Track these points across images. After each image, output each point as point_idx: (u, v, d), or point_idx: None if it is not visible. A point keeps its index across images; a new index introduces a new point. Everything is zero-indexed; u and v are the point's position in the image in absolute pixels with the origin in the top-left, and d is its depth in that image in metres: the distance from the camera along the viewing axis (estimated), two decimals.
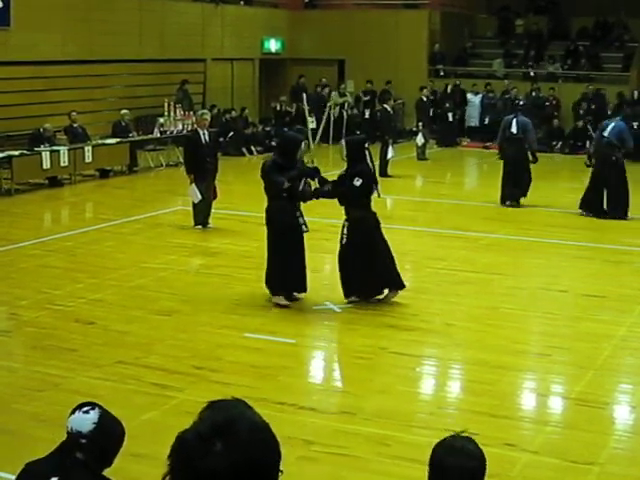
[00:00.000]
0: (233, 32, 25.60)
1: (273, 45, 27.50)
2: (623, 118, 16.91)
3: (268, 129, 23.85)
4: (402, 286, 9.95)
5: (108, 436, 3.65)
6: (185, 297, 10.12)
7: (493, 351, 8.56)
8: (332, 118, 24.85)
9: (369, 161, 9.99)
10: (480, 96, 25.93)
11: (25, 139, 17.92)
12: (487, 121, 25.58)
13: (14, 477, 3.58)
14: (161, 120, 19.90)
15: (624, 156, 15.48)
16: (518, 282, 11.17)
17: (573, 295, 10.70)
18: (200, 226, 13.75)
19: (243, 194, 16.36)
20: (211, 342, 8.73)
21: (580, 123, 24.06)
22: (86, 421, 3.61)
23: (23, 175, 16.92)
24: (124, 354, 8.25)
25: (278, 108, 24.67)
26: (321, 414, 7.11)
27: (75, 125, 18.66)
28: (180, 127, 19.87)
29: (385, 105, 20.63)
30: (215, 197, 13.70)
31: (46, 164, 16.90)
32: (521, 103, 19.20)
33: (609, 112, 24.27)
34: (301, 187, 9.66)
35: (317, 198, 10.01)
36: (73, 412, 3.67)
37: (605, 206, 15.17)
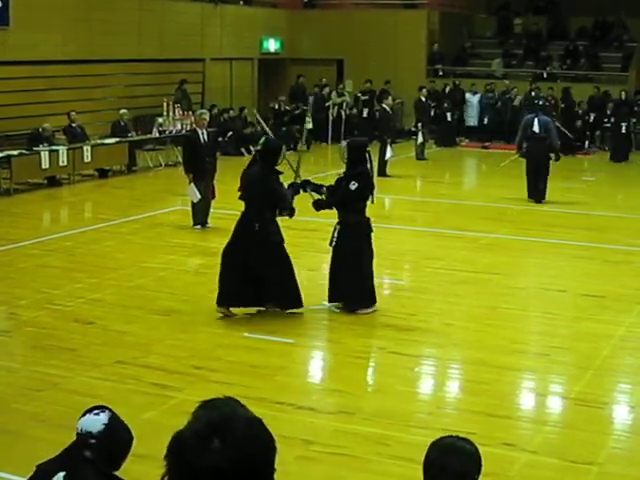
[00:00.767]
0: (232, 32, 25.59)
1: (272, 45, 27.50)
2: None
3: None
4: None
5: (117, 439, 3.69)
6: (184, 297, 10.13)
7: (492, 351, 8.57)
8: (331, 118, 24.88)
9: (369, 165, 9.82)
10: (478, 96, 25.92)
11: (24, 139, 17.91)
12: (486, 121, 25.60)
13: (16, 477, 3.59)
14: (160, 120, 19.90)
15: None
16: (517, 282, 11.18)
17: (572, 295, 10.70)
18: (199, 226, 13.75)
19: None
20: (210, 342, 8.74)
21: (579, 123, 24.08)
22: (96, 422, 3.66)
23: (22, 175, 16.92)
24: (123, 354, 8.25)
25: (277, 108, 24.67)
26: (320, 414, 7.11)
27: (74, 125, 18.66)
28: (179, 127, 19.87)
29: (384, 105, 20.63)
30: (213, 197, 13.71)
31: (45, 164, 16.90)
32: (540, 103, 19.22)
33: (608, 112, 24.35)
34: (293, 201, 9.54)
35: (317, 210, 9.92)
36: (83, 415, 3.71)
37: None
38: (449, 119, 25.21)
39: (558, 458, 6.37)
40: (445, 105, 25.20)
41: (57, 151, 17.28)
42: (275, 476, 1.94)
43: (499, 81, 26.46)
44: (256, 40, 26.73)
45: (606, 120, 24.44)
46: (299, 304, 9.47)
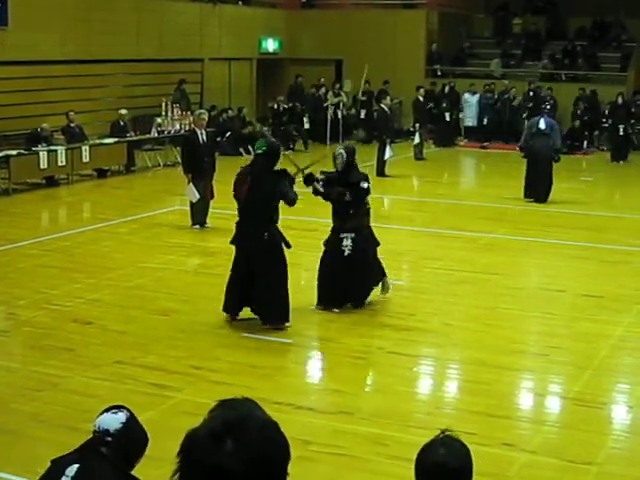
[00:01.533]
0: (231, 32, 25.58)
1: (271, 45, 27.49)
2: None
3: (266, 129, 23.83)
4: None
5: (133, 439, 3.69)
6: (183, 297, 10.12)
7: (491, 351, 8.57)
8: (329, 118, 24.86)
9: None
10: (477, 96, 25.91)
11: (22, 139, 17.89)
12: (485, 121, 25.58)
13: (15, 477, 3.59)
14: (159, 120, 19.89)
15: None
16: (516, 282, 11.18)
17: (571, 295, 10.71)
18: (198, 226, 13.75)
19: None
20: (209, 342, 8.73)
21: (577, 123, 24.09)
22: (114, 420, 3.67)
23: (20, 175, 16.91)
24: (122, 354, 8.25)
25: (276, 108, 24.67)
26: (319, 414, 7.11)
27: (73, 125, 18.64)
28: (178, 127, 19.86)
29: (382, 105, 20.62)
30: (212, 197, 13.71)
31: (43, 164, 16.89)
32: (548, 107, 19.24)
33: (606, 112, 24.33)
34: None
35: (315, 194, 9.81)
36: (101, 413, 3.73)
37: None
38: (447, 119, 25.21)
39: (557, 458, 6.38)
40: (444, 105, 25.18)
41: (56, 151, 17.27)
42: None
43: (498, 81, 26.46)
44: (255, 40, 26.73)
45: (604, 120, 24.42)
46: (284, 319, 9.06)
